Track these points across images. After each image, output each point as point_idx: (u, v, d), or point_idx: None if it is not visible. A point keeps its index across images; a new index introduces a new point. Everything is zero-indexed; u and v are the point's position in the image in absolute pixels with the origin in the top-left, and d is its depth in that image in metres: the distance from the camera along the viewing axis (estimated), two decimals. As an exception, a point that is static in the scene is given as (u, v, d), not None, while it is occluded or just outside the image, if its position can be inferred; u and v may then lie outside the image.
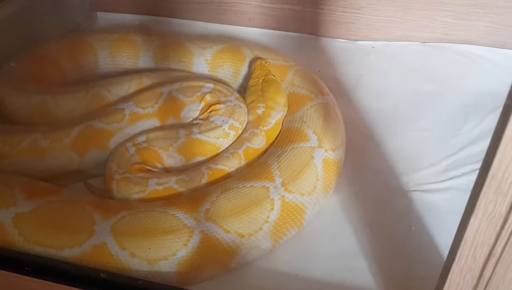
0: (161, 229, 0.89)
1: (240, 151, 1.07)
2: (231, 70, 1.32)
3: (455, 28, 1.49)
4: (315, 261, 0.97)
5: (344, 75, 1.46)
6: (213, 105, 1.16)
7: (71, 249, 0.88)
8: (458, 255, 0.60)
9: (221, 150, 1.10)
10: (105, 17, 1.71)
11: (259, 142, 1.09)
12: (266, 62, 1.24)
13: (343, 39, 1.58)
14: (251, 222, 0.92)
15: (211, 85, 1.20)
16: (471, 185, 1.10)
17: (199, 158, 1.09)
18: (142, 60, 1.38)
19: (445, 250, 0.98)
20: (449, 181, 1.13)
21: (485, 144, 1.22)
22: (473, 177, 1.11)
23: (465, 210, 0.59)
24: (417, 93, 1.39)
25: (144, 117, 1.14)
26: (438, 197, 1.09)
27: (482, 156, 1.19)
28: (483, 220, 0.56)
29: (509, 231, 0.55)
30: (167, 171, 1.09)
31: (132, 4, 1.70)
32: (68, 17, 1.61)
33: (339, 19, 1.55)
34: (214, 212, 0.91)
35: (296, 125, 1.10)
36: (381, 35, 1.55)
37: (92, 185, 1.11)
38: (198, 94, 1.18)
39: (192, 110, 1.17)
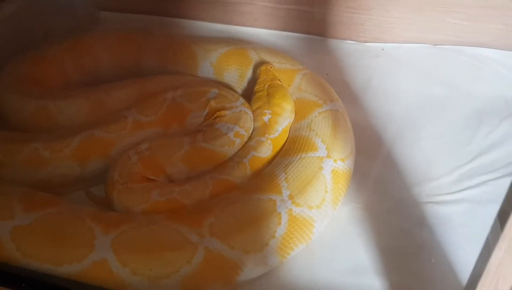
0: (164, 245, 0.86)
1: (246, 160, 1.03)
2: (237, 73, 1.28)
3: (467, 30, 1.44)
4: (324, 276, 0.94)
5: (353, 78, 1.42)
6: (218, 111, 1.12)
7: (70, 265, 0.85)
8: (479, 285, 0.56)
9: (226, 158, 1.06)
10: (108, 17, 1.67)
11: (265, 151, 1.05)
12: (271, 67, 1.20)
13: (351, 40, 1.54)
14: (257, 238, 0.89)
15: (215, 90, 1.16)
16: (485, 196, 1.08)
17: (204, 167, 1.05)
18: (146, 62, 1.35)
19: (458, 266, 0.95)
20: (462, 193, 1.09)
21: (499, 152, 1.19)
22: (487, 188, 1.10)
23: (488, 240, 0.56)
24: (427, 97, 1.35)
25: (147, 124, 1.10)
26: (451, 210, 1.05)
27: (497, 165, 1.16)
28: (508, 252, 0.52)
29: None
30: (170, 180, 1.05)
31: (135, 3, 1.66)
32: (70, 17, 1.58)
33: (348, 20, 1.51)
34: (219, 227, 0.88)
35: (303, 133, 1.07)
36: (391, 37, 1.51)
37: (93, 193, 1.07)
38: (203, 100, 1.15)
39: (197, 116, 1.14)
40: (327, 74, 1.40)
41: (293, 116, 1.12)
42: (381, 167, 1.16)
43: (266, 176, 0.99)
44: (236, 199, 0.93)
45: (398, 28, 1.49)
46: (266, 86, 1.16)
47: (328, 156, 1.01)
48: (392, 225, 1.03)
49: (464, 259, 0.96)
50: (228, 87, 1.25)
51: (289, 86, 1.19)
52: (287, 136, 1.09)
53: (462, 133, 1.24)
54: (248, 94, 1.21)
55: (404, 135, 1.24)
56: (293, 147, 1.04)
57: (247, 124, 1.10)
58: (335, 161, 1.01)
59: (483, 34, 1.44)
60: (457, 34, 1.46)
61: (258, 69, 1.20)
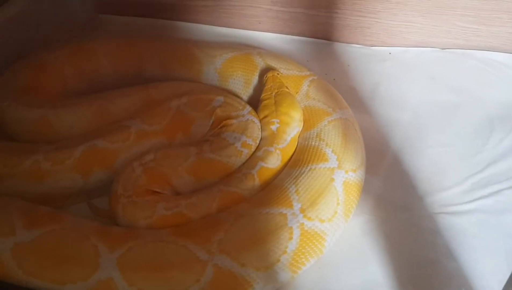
0: (171, 262, 0.83)
1: (254, 172, 1.00)
2: (242, 80, 1.25)
3: (477, 34, 1.41)
4: (336, 292, 0.91)
5: (359, 83, 1.39)
6: (224, 120, 1.09)
7: (74, 284, 0.82)
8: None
9: (233, 169, 1.03)
10: (108, 20, 1.64)
11: (274, 161, 1.02)
12: (278, 74, 1.17)
13: (358, 44, 1.51)
14: (268, 254, 0.86)
15: (221, 98, 1.13)
16: (498, 206, 1.06)
17: (210, 179, 1.02)
18: (148, 68, 1.31)
19: (475, 280, 0.92)
20: (475, 202, 1.06)
21: (512, 160, 1.15)
22: (501, 197, 1.07)
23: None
24: (436, 103, 1.32)
25: (151, 134, 1.07)
26: (464, 220, 1.02)
27: (510, 173, 1.13)
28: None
29: None
30: (176, 192, 1.02)
31: (136, 6, 1.62)
32: (70, 21, 1.54)
33: (355, 23, 1.48)
34: (228, 243, 0.85)
35: (313, 143, 1.03)
36: (398, 41, 1.48)
37: (96, 206, 1.04)
38: (208, 108, 1.11)
39: (202, 125, 1.11)
40: (334, 79, 1.37)
41: (301, 125, 1.09)
42: (390, 176, 1.13)
43: (276, 188, 0.96)
44: (245, 213, 0.90)
45: (405, 31, 1.46)
46: (273, 93, 1.12)
47: (339, 167, 0.98)
48: (405, 237, 1.00)
49: (480, 272, 0.94)
50: (234, 94, 1.22)
51: (296, 93, 1.16)
52: (295, 145, 1.06)
53: (473, 141, 1.21)
54: (254, 102, 1.17)
55: (413, 143, 1.21)
56: (302, 158, 1.01)
57: (255, 133, 1.07)
58: (346, 172, 0.98)
59: (493, 38, 1.41)
60: (467, 37, 1.43)
61: (265, 76, 1.17)
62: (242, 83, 1.25)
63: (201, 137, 1.10)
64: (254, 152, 1.05)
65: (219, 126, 1.09)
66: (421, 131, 1.24)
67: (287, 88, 1.15)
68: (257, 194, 0.97)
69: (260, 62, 1.24)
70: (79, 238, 0.86)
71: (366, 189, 1.06)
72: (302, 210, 0.90)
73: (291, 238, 0.88)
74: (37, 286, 0.83)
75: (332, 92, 1.16)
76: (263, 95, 1.14)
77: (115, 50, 1.32)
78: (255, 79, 1.23)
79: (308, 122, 1.09)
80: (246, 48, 1.32)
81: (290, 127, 1.07)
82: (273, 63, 1.23)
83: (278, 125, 1.06)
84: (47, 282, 0.83)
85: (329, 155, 1.00)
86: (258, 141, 1.07)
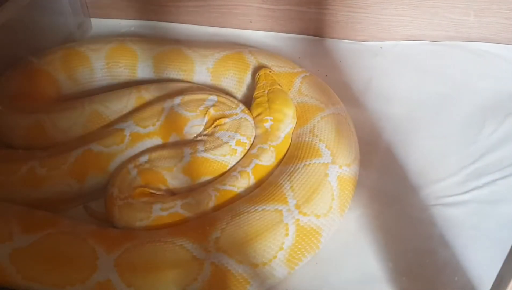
0: (169, 262, 0.83)
1: (249, 170, 1.00)
2: (235, 78, 1.25)
3: (468, 25, 1.42)
4: (332, 286, 0.91)
5: (352, 78, 1.39)
6: (218, 119, 1.09)
7: (73, 287, 0.83)
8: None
9: (228, 168, 1.03)
10: (99, 24, 1.64)
11: (268, 159, 1.03)
12: (270, 71, 1.17)
13: (349, 40, 1.51)
14: (264, 251, 0.86)
15: (214, 97, 1.13)
16: (493, 196, 1.06)
17: (206, 178, 1.02)
18: (140, 70, 1.32)
19: (471, 270, 0.93)
20: (470, 193, 1.07)
21: (507, 149, 1.17)
22: (496, 187, 1.08)
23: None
24: (429, 96, 1.32)
25: (145, 136, 1.07)
26: (460, 211, 1.03)
27: (505, 163, 1.14)
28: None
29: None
30: (172, 193, 1.02)
31: (127, 9, 1.62)
32: (61, 26, 1.54)
33: (345, 19, 1.48)
34: (225, 241, 0.85)
35: (306, 139, 1.04)
36: (389, 35, 1.48)
37: (92, 208, 1.05)
38: (201, 108, 1.12)
39: (196, 125, 1.11)
40: (326, 75, 1.38)
41: (295, 121, 1.09)
42: (385, 169, 1.13)
43: (271, 185, 0.96)
44: (241, 211, 0.91)
45: (396, 25, 1.46)
46: (266, 91, 1.13)
47: (333, 162, 0.98)
48: (400, 229, 1.00)
49: (474, 261, 0.94)
50: (227, 93, 1.22)
51: (289, 90, 1.17)
52: (289, 142, 1.07)
53: (466, 132, 1.21)
54: (248, 100, 1.18)
55: (407, 136, 1.21)
56: (296, 154, 1.01)
57: (248, 131, 1.07)
58: (340, 167, 0.99)
59: (484, 29, 1.41)
60: (457, 29, 1.43)
61: (257, 74, 1.17)
62: (235, 82, 1.25)
63: (195, 137, 1.11)
64: (249, 150, 1.05)
65: (212, 125, 1.09)
66: (414, 123, 1.24)
67: (279, 85, 1.15)
68: (252, 192, 0.98)
69: (252, 61, 1.25)
70: (76, 241, 0.87)
71: (361, 183, 1.06)
72: (298, 206, 0.91)
73: (287, 234, 0.88)
74: (36, 291, 0.84)
75: (325, 88, 1.17)
76: (255, 93, 1.14)
77: (107, 53, 1.32)
78: (247, 78, 1.23)
79: (301, 118, 1.09)
80: (238, 47, 1.32)
81: (284, 124, 1.07)
82: (265, 61, 1.24)
83: (271, 123, 1.07)
84: (46, 286, 0.83)
85: (323, 150, 1.00)
86: (252, 139, 1.07)
